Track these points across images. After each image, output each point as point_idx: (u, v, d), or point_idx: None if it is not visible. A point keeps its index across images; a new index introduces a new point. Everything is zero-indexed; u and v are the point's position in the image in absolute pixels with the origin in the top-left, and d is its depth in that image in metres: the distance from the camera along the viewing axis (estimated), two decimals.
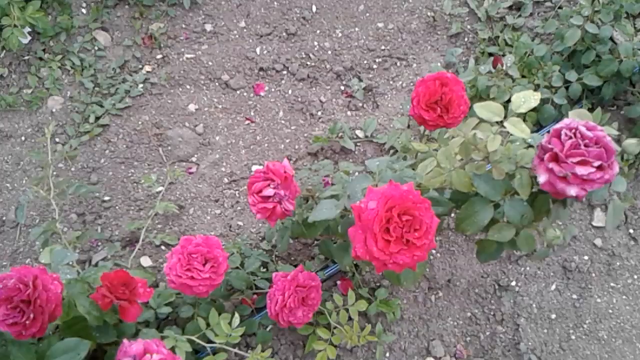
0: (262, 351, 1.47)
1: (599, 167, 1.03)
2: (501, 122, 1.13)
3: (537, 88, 1.92)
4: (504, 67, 1.89)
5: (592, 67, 1.92)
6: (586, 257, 1.91)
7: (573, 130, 1.05)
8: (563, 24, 1.98)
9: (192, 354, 1.55)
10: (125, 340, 1.25)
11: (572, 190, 1.03)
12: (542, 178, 1.06)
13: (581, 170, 1.02)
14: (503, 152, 1.16)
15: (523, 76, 1.96)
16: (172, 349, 1.43)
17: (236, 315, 1.46)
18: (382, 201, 1.12)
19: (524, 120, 1.94)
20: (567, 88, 1.92)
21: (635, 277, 1.90)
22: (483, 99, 1.91)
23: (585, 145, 1.04)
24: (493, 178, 1.13)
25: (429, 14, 2.25)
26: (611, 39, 1.97)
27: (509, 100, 1.84)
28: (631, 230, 1.94)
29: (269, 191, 1.40)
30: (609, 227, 1.13)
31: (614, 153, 1.05)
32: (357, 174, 1.81)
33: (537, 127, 1.96)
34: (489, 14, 2.19)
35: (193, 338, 1.48)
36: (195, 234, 1.89)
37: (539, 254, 1.25)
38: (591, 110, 1.96)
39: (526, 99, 1.14)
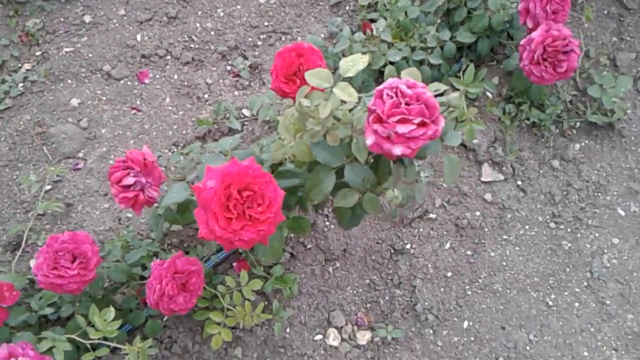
0: (148, 341, 1.46)
1: (421, 124, 1.04)
2: (331, 87, 1.12)
3: (413, 50, 1.93)
4: (375, 33, 1.88)
5: (466, 24, 1.93)
6: (478, 213, 1.94)
7: (394, 90, 1.05)
8: None
9: (76, 352, 1.52)
10: None
11: (398, 149, 1.04)
12: (369, 140, 1.06)
13: (402, 129, 1.02)
14: (342, 116, 1.15)
15: (402, 39, 1.96)
16: (50, 350, 1.40)
17: (110, 308, 1.43)
18: (220, 179, 1.11)
19: None
20: (442, 48, 1.93)
21: (527, 227, 1.94)
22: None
23: (407, 104, 1.04)
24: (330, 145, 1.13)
25: None
26: None
27: (385, 65, 1.85)
28: (519, 182, 1.97)
29: (129, 180, 1.38)
30: (447, 181, 1.14)
31: (437, 109, 1.05)
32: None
33: None
34: None
35: (73, 337, 1.45)
36: (84, 231, 1.87)
37: (388, 214, 1.26)
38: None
39: (354, 62, 1.14)
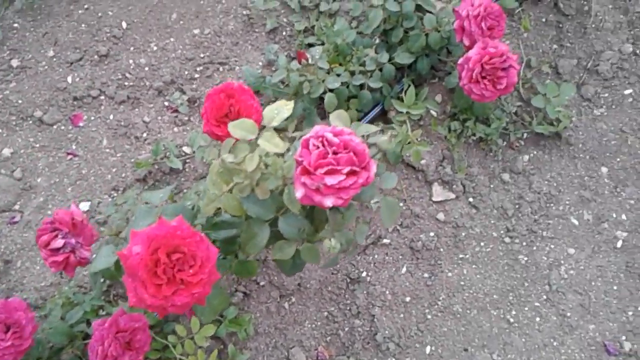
0: None
1: (351, 173, 0.99)
2: (256, 138, 1.07)
3: (353, 74, 1.88)
4: (311, 60, 1.83)
5: (404, 44, 1.89)
6: (432, 234, 1.90)
7: (320, 139, 1.00)
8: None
9: None
10: None
11: (329, 201, 0.99)
12: (298, 193, 1.00)
13: (331, 181, 0.97)
14: (272, 164, 1.10)
15: (340, 64, 1.92)
16: None
17: None
18: (146, 244, 1.04)
19: (348, 109, 1.91)
20: (381, 70, 1.89)
21: (482, 244, 1.91)
22: (302, 96, 1.86)
23: (334, 153, 0.99)
24: None
25: (244, 12, 2.17)
26: (428, 11, 1.95)
27: (325, 92, 1.81)
28: (471, 199, 1.94)
29: (57, 242, 1.31)
30: (386, 225, 1.10)
31: (366, 155, 1.01)
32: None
33: (361, 115, 1.93)
34: (303, 3, 2.13)
35: None
36: (24, 288, 1.78)
37: (328, 263, 1.21)
38: (413, 86, 1.94)
39: (279, 110, 1.08)
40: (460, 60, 1.69)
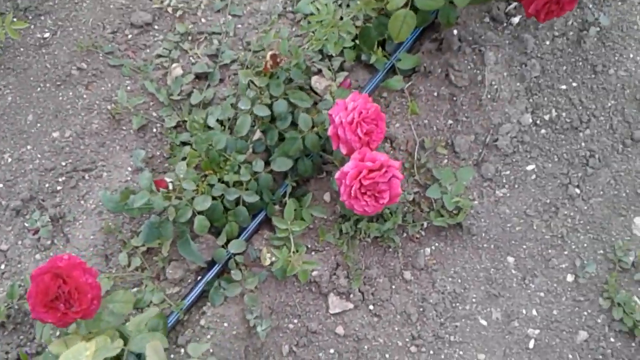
0: None
1: None
2: None
3: (228, 185, 1.69)
4: (175, 181, 1.62)
5: (280, 147, 1.70)
6: (332, 351, 1.73)
7: None
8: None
9: None
10: None
11: None
12: None
13: None
14: None
15: (214, 171, 1.72)
16: None
17: None
18: None
19: (227, 222, 1.71)
20: (257, 180, 1.70)
21: (387, 356, 1.74)
22: None
23: None
24: None
25: (108, 107, 1.93)
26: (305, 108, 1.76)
27: (195, 215, 1.61)
28: (371, 307, 1.77)
29: None
30: None
31: None
32: None
33: (239, 230, 1.73)
34: (172, 96, 1.90)
35: None
36: None
37: None
38: (297, 186, 1.77)
39: (76, 356, 0.88)
40: (337, 175, 1.51)
